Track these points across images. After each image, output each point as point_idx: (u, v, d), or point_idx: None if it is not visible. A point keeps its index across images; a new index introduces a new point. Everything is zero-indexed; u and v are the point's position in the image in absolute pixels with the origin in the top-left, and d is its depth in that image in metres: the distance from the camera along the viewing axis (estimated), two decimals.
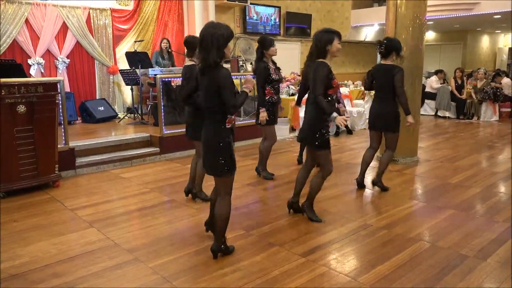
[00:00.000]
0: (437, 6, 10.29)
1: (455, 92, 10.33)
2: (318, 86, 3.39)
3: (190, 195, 4.33)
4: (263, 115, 4.64)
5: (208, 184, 4.04)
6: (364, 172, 4.68)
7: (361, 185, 4.68)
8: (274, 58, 4.92)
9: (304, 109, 4.00)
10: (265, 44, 4.72)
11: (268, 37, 4.83)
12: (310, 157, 3.81)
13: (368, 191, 4.66)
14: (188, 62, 4.07)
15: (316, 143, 3.50)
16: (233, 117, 2.89)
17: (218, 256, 3.05)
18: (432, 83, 10.77)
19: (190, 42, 4.08)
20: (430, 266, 2.91)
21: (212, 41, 2.70)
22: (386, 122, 4.43)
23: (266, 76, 4.69)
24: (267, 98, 4.74)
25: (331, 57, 3.51)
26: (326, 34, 3.45)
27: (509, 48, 17.48)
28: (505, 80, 10.21)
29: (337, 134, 7.95)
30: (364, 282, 2.72)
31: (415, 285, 2.67)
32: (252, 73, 5.77)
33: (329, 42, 3.43)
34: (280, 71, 4.95)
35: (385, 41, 4.42)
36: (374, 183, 4.66)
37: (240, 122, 7.18)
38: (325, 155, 3.57)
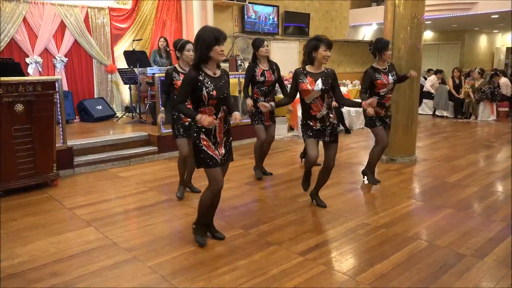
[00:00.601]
0: (435, 5, 10.31)
1: (453, 91, 10.36)
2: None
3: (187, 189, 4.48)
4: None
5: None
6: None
7: (365, 173, 4.95)
8: (274, 58, 4.93)
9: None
10: (255, 45, 4.76)
11: (259, 38, 4.83)
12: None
13: (366, 190, 4.67)
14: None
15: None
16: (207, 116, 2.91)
17: (216, 254, 3.06)
18: (429, 83, 10.79)
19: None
20: (428, 265, 2.92)
21: (197, 43, 2.91)
22: (368, 119, 4.60)
23: (250, 77, 4.72)
24: (254, 98, 4.78)
25: (319, 64, 3.62)
26: (313, 42, 3.60)
27: (507, 47, 17.53)
28: (503, 80, 10.24)
29: None
30: (362, 281, 2.72)
31: (413, 284, 2.68)
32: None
33: (314, 49, 3.56)
34: (275, 72, 4.82)
35: (372, 42, 4.60)
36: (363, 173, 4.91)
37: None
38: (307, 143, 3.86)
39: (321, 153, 3.85)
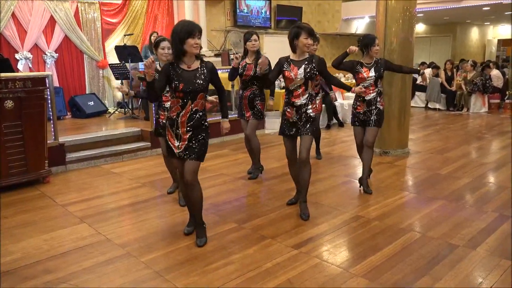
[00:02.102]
0: None
1: (445, 84, 10.40)
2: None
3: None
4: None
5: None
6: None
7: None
8: (267, 51, 4.91)
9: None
10: (244, 39, 4.77)
11: (249, 32, 4.81)
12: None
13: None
14: None
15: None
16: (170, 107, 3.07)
17: (210, 248, 3.06)
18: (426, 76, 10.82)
19: None
20: (421, 256, 2.94)
21: (171, 38, 2.96)
22: None
23: (237, 68, 4.75)
24: (240, 92, 4.84)
25: (301, 51, 3.58)
26: (294, 29, 3.57)
27: (498, 40, 17.62)
28: (494, 72, 10.30)
29: (328, 126, 7.98)
30: (356, 272, 2.74)
31: (406, 275, 2.70)
32: None
33: (295, 36, 3.54)
34: (260, 67, 4.69)
35: (360, 38, 4.50)
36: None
37: (232, 116, 7.14)
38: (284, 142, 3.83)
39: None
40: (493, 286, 2.57)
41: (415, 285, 2.59)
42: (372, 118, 4.34)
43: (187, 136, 3.03)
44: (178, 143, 3.05)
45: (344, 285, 2.61)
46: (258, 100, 4.73)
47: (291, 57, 3.65)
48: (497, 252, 2.98)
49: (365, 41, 4.37)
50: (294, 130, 3.65)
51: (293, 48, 3.61)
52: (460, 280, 2.63)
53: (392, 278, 2.67)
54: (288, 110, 3.67)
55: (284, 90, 8.39)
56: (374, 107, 4.35)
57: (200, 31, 2.96)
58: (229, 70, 5.00)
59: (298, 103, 3.61)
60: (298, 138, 3.69)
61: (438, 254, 2.97)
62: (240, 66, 4.72)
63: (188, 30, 2.89)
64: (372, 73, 4.31)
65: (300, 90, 3.60)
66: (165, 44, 3.84)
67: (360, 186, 4.46)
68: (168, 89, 3.11)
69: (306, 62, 3.57)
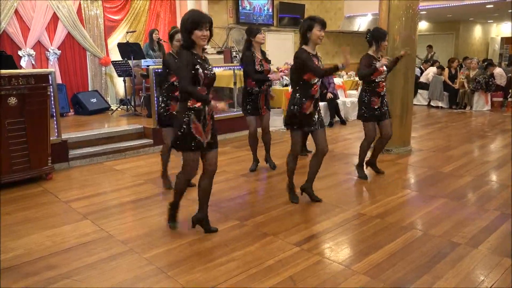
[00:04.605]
0: None
1: (448, 81, 10.37)
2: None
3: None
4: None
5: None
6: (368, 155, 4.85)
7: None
8: (269, 49, 4.87)
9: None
10: (252, 32, 4.65)
11: (254, 25, 4.80)
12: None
13: (361, 181, 4.69)
14: None
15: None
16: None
17: (212, 245, 3.07)
18: (429, 74, 10.79)
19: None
20: (422, 254, 2.95)
21: (180, 28, 2.91)
22: (358, 111, 4.65)
23: (253, 64, 4.64)
24: (248, 88, 4.74)
25: (313, 44, 3.59)
26: (307, 21, 3.55)
27: (501, 37, 17.55)
28: (497, 70, 10.26)
29: (331, 124, 7.97)
30: (358, 270, 2.75)
31: (407, 273, 2.70)
32: (240, 64, 5.72)
33: (308, 29, 3.53)
34: (270, 64, 4.87)
35: (370, 30, 4.49)
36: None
37: (234, 113, 7.16)
38: (293, 136, 3.88)
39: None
40: (494, 285, 2.57)
41: (416, 283, 2.60)
42: (386, 110, 4.58)
43: (210, 124, 3.09)
44: (206, 135, 3.07)
45: (346, 283, 2.61)
46: (270, 92, 4.88)
47: (309, 51, 3.61)
48: (498, 251, 2.98)
49: (377, 35, 4.37)
50: (311, 124, 3.73)
51: (306, 41, 3.58)
52: (462, 279, 2.63)
53: (393, 275, 2.67)
54: (307, 103, 3.66)
55: (286, 88, 8.43)
56: (384, 100, 4.57)
57: (209, 21, 2.89)
58: (231, 67, 5.02)
59: (316, 96, 3.70)
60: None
61: (439, 252, 2.97)
62: (256, 63, 4.63)
63: (196, 21, 2.83)
64: (385, 67, 4.38)
65: (319, 84, 3.69)
66: (179, 36, 3.88)
67: (366, 168, 4.78)
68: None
69: (317, 57, 3.64)
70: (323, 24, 3.53)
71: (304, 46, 3.62)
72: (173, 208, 3.39)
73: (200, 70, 2.91)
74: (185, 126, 2.97)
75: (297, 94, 3.68)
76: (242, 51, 4.85)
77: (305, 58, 3.53)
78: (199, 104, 2.96)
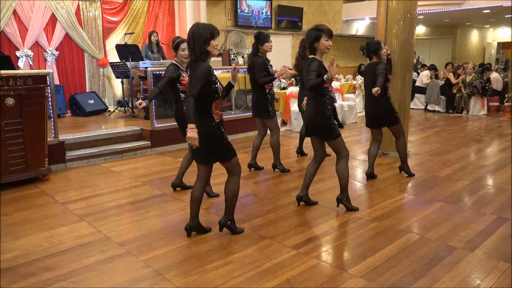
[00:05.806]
0: (427, 0, 10.35)
1: (453, 80, 10.36)
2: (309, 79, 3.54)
3: (177, 188, 4.42)
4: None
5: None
6: (373, 164, 4.83)
7: (372, 176, 4.83)
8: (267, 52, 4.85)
9: (296, 103, 4.03)
10: (260, 39, 4.68)
11: (264, 32, 4.79)
12: (320, 150, 3.91)
13: (359, 184, 4.71)
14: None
15: (334, 133, 3.72)
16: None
17: (209, 247, 3.07)
18: (423, 78, 10.86)
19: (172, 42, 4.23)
20: (419, 258, 2.96)
21: (193, 40, 2.94)
22: (386, 119, 4.69)
23: (265, 70, 4.69)
24: (267, 91, 4.78)
25: (321, 54, 3.61)
26: (314, 32, 3.56)
27: (498, 42, 17.66)
28: (494, 75, 10.32)
29: None
30: (355, 273, 2.75)
31: (404, 276, 2.71)
32: (246, 67, 5.73)
33: (316, 39, 3.54)
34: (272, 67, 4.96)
35: (364, 47, 4.68)
36: (400, 168, 4.93)
37: (232, 116, 7.18)
38: (341, 141, 3.80)
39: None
40: None
41: (413, 286, 2.60)
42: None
43: None
44: None
45: (343, 286, 2.62)
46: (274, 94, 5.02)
47: (320, 60, 3.62)
48: (495, 254, 3.00)
49: (373, 47, 4.55)
50: None
51: (313, 51, 3.59)
52: (458, 282, 2.65)
53: (390, 279, 2.68)
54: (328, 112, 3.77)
55: (283, 91, 8.47)
56: None
57: (218, 33, 3.06)
58: (227, 70, 5.00)
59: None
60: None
61: (436, 256, 2.98)
62: (269, 67, 4.75)
63: (211, 32, 2.97)
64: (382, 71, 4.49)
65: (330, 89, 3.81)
66: (185, 45, 3.84)
67: (400, 172, 4.96)
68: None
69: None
70: (330, 34, 3.56)
71: (312, 56, 3.61)
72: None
73: (219, 84, 3.07)
74: (222, 136, 3.13)
75: (320, 104, 3.68)
76: (250, 56, 4.88)
77: (316, 67, 3.50)
78: (217, 117, 3.11)
